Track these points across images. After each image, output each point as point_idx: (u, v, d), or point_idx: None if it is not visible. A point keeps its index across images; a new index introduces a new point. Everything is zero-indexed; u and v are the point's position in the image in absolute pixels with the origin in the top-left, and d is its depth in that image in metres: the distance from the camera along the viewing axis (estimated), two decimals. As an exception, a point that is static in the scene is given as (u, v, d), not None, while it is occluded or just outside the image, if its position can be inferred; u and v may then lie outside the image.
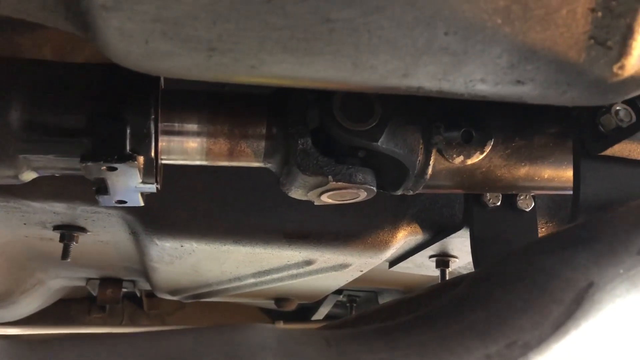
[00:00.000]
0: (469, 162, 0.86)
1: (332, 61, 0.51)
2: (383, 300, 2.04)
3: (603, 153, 0.79)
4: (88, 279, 1.86)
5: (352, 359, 0.39)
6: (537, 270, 0.49)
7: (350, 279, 1.51)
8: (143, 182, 0.80)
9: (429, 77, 0.53)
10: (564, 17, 0.45)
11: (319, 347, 0.40)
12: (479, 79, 0.54)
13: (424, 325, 0.45)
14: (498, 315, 0.45)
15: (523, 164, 0.89)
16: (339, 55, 0.50)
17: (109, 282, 1.85)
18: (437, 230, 1.23)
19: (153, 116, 0.76)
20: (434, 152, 0.85)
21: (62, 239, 1.22)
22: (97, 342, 0.38)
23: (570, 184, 0.93)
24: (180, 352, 0.37)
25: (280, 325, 1.64)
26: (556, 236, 0.56)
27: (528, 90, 0.56)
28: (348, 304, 2.13)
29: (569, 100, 0.58)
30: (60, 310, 2.34)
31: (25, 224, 1.19)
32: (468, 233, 1.12)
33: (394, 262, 1.44)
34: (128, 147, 0.75)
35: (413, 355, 0.41)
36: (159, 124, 0.78)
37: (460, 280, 1.18)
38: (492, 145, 0.86)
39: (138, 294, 2.12)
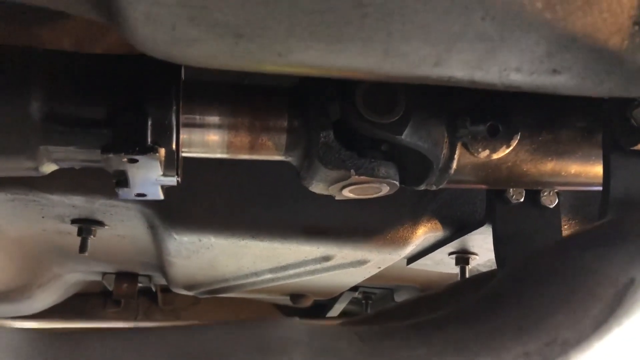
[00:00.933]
0: (495, 156, 0.84)
1: (362, 48, 0.50)
2: (399, 297, 2.02)
3: (634, 147, 0.77)
4: (104, 274, 1.86)
5: (386, 355, 0.38)
6: (574, 267, 0.47)
7: (368, 276, 1.49)
8: (164, 175, 0.79)
9: (462, 65, 0.52)
10: (609, 2, 0.43)
11: (352, 342, 0.39)
12: (514, 67, 0.52)
13: (459, 322, 0.43)
14: (535, 312, 0.43)
15: (550, 158, 0.87)
16: (369, 42, 0.49)
17: (125, 276, 1.85)
18: (458, 226, 1.21)
19: (174, 108, 0.75)
20: (459, 146, 0.83)
21: (79, 233, 1.22)
22: (126, 336, 0.37)
23: (598, 180, 0.90)
24: (211, 347, 0.35)
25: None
26: (591, 232, 0.54)
27: (564, 80, 0.54)
28: (363, 301, 2.11)
29: (606, 91, 0.56)
30: (76, 304, 2.34)
31: (43, 217, 1.19)
32: (489, 230, 1.10)
33: (412, 258, 1.42)
34: (149, 139, 0.74)
35: (450, 352, 0.39)
36: (180, 116, 0.77)
37: (481, 278, 1.16)
38: (519, 140, 0.84)
39: (153, 289, 2.12)
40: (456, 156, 0.83)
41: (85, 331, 0.38)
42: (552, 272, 0.47)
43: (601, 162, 0.88)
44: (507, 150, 0.84)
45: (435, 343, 0.40)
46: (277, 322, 0.39)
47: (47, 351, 0.36)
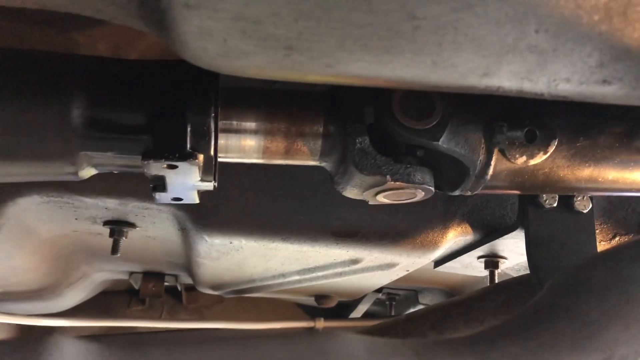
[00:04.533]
0: (532, 162, 0.84)
1: (411, 60, 0.50)
2: (423, 299, 2.02)
3: (677, 154, 0.76)
4: (131, 273, 1.88)
5: (443, 371, 0.38)
6: (627, 280, 0.46)
7: (395, 278, 1.49)
8: (201, 180, 0.80)
9: (510, 76, 0.51)
10: (668, 14, 0.42)
11: (408, 357, 0.39)
12: (564, 78, 0.51)
13: (512, 335, 0.43)
14: (589, 326, 0.43)
15: (587, 164, 0.86)
16: (419, 54, 0.49)
17: (152, 276, 1.87)
18: (488, 230, 1.20)
19: (213, 114, 0.75)
20: (495, 152, 0.82)
21: (111, 234, 1.23)
22: (187, 344, 0.37)
23: (636, 186, 0.89)
24: (272, 356, 0.36)
25: (322, 323, 1.64)
26: (640, 243, 0.54)
27: (613, 90, 0.53)
28: (387, 302, 2.11)
29: (656, 101, 0.55)
30: (101, 302, 2.37)
31: (76, 218, 1.21)
32: (520, 234, 1.09)
33: (440, 261, 1.42)
34: (188, 145, 0.75)
35: (506, 368, 0.39)
36: (218, 122, 0.77)
37: (509, 284, 1.15)
38: (556, 145, 0.84)
39: (179, 288, 2.14)
40: (493, 162, 0.83)
41: (146, 336, 0.39)
42: (605, 285, 0.46)
43: (639, 168, 0.87)
44: (545, 157, 0.83)
45: (491, 358, 0.40)
46: (335, 335, 0.39)
47: (114, 355, 0.36)
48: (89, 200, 1.09)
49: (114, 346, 0.38)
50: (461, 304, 1.10)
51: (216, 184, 0.83)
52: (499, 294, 1.09)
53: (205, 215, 1.13)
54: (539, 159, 0.84)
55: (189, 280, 1.85)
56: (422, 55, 0.49)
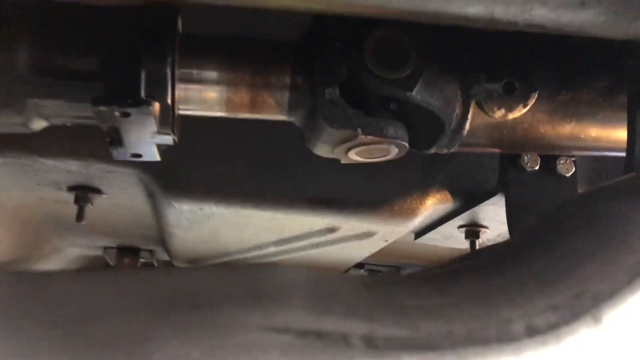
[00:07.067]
0: (511, 116, 0.80)
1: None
2: (406, 275, 1.99)
3: (661, 105, 0.72)
4: (105, 248, 1.84)
5: (393, 304, 0.34)
6: (604, 217, 0.42)
7: (374, 250, 1.45)
8: (159, 132, 0.75)
9: (481, -3, 0.47)
10: None
11: (356, 290, 0.34)
12: (538, 0, 0.47)
13: (476, 273, 0.39)
14: (561, 263, 0.39)
15: (569, 120, 0.82)
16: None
17: (127, 251, 1.83)
18: (469, 197, 1.16)
19: (170, 59, 0.70)
20: (472, 104, 0.78)
21: (76, 201, 1.18)
22: (101, 276, 0.33)
23: (618, 145, 0.86)
24: (197, 289, 0.31)
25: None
26: (619, 184, 0.50)
27: (592, 16, 0.49)
28: (369, 279, 2.08)
29: (638, 30, 0.51)
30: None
31: (38, 184, 1.15)
32: (501, 201, 1.06)
33: (420, 232, 1.38)
34: (143, 93, 0.70)
35: (466, 304, 0.35)
36: (177, 70, 0.72)
37: (491, 249, 1.12)
38: (536, 99, 0.79)
39: (155, 265, 2.09)
40: (470, 116, 0.79)
41: (57, 273, 0.34)
42: (580, 223, 0.42)
43: (623, 125, 0.83)
44: (524, 110, 0.80)
45: (450, 293, 0.36)
46: (274, 267, 0.35)
47: (14, 289, 0.32)
48: (48, 162, 1.04)
49: (17, 277, 0.34)
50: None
51: (176, 139, 0.78)
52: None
53: (173, 179, 1.09)
54: (519, 112, 0.80)
55: (165, 257, 1.81)
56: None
